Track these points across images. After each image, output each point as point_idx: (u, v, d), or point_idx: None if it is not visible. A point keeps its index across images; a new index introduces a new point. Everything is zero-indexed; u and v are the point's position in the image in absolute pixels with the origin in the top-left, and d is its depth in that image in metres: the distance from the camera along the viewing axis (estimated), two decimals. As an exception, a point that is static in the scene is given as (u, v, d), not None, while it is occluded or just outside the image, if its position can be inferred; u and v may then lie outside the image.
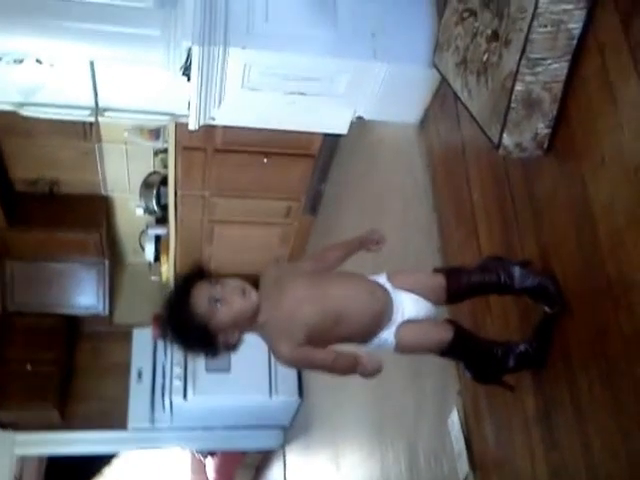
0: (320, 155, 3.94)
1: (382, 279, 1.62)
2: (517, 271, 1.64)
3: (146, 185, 4.61)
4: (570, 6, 1.50)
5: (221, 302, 1.45)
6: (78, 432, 5.29)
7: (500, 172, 1.95)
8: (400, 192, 2.88)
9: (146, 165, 4.68)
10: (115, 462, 6.56)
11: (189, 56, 2.19)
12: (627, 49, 1.42)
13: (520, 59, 1.56)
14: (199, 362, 4.65)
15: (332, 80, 2.37)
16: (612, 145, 1.46)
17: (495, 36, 1.70)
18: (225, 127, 3.18)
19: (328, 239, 4.06)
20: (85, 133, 4.32)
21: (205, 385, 4.90)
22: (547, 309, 1.63)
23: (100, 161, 4.66)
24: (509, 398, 1.82)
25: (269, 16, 2.26)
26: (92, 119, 2.71)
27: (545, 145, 1.67)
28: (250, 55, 2.25)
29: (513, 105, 1.60)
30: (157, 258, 4.90)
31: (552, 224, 1.68)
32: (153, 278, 5.06)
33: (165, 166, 4.28)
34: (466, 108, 1.87)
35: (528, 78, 1.58)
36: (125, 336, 5.25)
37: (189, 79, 2.25)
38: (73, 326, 5.49)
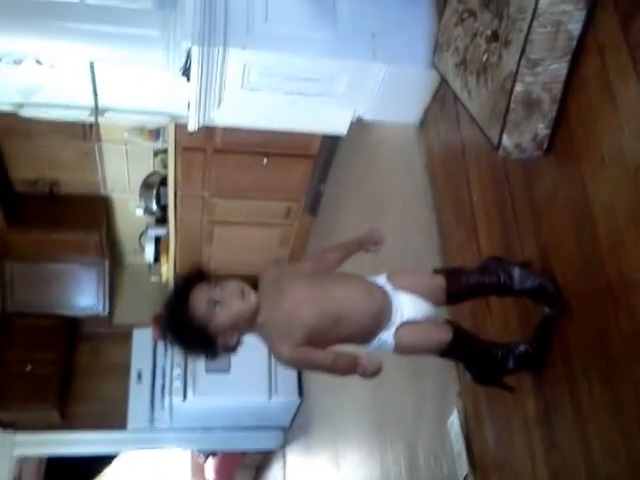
0: (320, 156, 3.93)
1: (382, 280, 1.62)
2: (517, 272, 1.64)
3: (146, 185, 4.61)
4: (570, 7, 1.50)
5: (220, 304, 1.46)
6: (78, 432, 5.28)
7: (500, 173, 1.95)
8: (400, 192, 2.88)
9: (146, 165, 4.68)
10: (115, 462, 6.55)
11: (189, 57, 2.19)
12: (626, 49, 1.42)
13: (520, 59, 1.56)
14: (199, 363, 4.64)
15: (332, 80, 2.37)
16: (612, 145, 1.46)
17: (495, 37, 1.70)
18: (225, 128, 3.18)
19: (328, 240, 4.05)
20: (85, 133, 4.32)
21: (205, 386, 4.90)
22: (547, 310, 1.63)
23: (100, 161, 4.65)
24: (509, 399, 1.82)
25: (269, 16, 2.27)
26: (92, 119, 2.71)
27: (545, 146, 1.67)
28: (250, 55, 2.25)
29: (513, 106, 1.60)
30: (157, 259, 4.90)
31: (552, 225, 1.68)
32: (153, 278, 5.06)
33: (165, 166, 4.27)
34: (466, 109, 1.87)
35: (528, 79, 1.58)
36: (125, 337, 5.26)
37: (189, 80, 2.25)
38: (73, 326, 5.48)
